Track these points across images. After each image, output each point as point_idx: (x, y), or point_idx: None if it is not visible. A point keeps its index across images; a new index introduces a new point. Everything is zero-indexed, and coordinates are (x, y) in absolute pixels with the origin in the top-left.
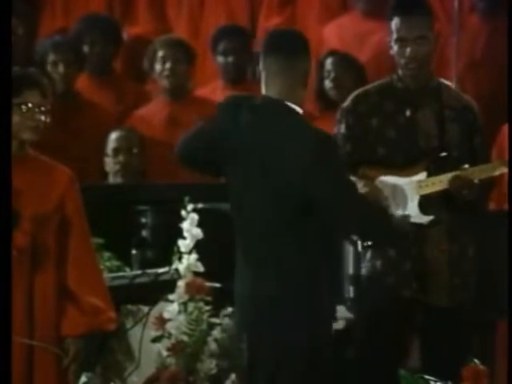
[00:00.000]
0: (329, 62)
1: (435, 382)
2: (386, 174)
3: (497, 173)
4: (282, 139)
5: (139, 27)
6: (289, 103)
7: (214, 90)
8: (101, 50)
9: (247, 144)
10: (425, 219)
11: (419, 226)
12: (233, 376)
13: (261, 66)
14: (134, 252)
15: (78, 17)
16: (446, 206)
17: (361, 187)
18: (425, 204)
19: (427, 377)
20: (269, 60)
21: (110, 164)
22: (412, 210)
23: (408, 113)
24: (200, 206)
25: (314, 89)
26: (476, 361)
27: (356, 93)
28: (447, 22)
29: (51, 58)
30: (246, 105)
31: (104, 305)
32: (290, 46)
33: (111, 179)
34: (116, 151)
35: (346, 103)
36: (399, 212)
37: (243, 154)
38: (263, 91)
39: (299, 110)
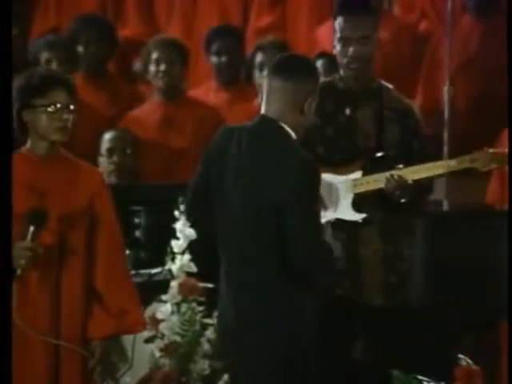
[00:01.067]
0: (319, 65)
1: (428, 382)
2: (324, 171)
3: (432, 173)
4: (269, 164)
5: (128, 29)
6: (284, 125)
7: (208, 91)
8: (96, 50)
9: (235, 166)
10: (357, 217)
11: (352, 224)
12: (226, 377)
13: (264, 87)
14: (127, 252)
15: (70, 17)
16: (379, 206)
17: None
18: (358, 202)
19: (420, 377)
20: (272, 82)
21: (104, 164)
22: (345, 208)
23: (347, 112)
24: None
25: None
26: (468, 361)
27: None
28: (438, 23)
29: (44, 56)
30: (239, 128)
31: (131, 307)
32: (295, 70)
33: (105, 179)
34: (110, 151)
35: None
36: (332, 210)
37: (230, 176)
38: (262, 111)
39: (293, 134)
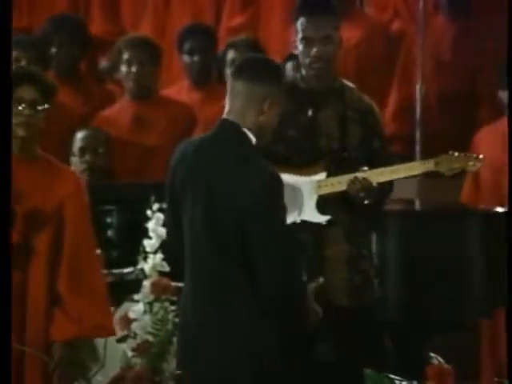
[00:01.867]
0: (289, 67)
1: (400, 381)
2: (286, 171)
3: (396, 176)
4: (231, 172)
5: (94, 27)
6: (245, 129)
7: (180, 90)
8: (68, 51)
9: (196, 176)
10: (321, 219)
11: (316, 225)
12: None
13: (228, 88)
14: (99, 252)
15: (42, 17)
16: (343, 207)
17: None
18: (322, 204)
19: (392, 376)
20: (235, 83)
21: (77, 163)
22: (309, 209)
23: (310, 113)
24: (165, 205)
25: None
26: (440, 359)
27: None
28: (411, 22)
29: (13, 54)
30: (199, 138)
31: (94, 311)
32: (253, 71)
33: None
34: (82, 150)
35: None
36: (296, 212)
37: (191, 186)
38: (225, 112)
39: (253, 137)
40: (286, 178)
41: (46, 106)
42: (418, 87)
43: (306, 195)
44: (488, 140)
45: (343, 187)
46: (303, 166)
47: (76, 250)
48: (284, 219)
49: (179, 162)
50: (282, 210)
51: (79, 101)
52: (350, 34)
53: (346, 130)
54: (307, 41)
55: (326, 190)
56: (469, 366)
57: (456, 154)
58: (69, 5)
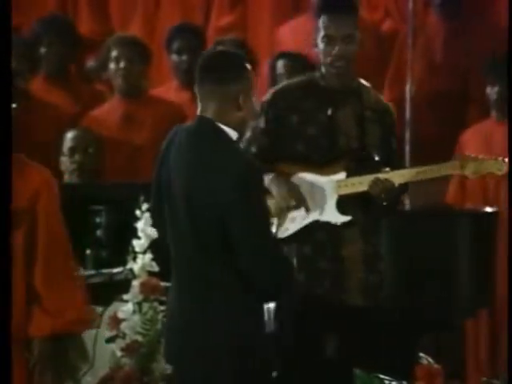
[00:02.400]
0: (280, 65)
1: (390, 381)
2: (304, 171)
3: (419, 178)
4: (209, 167)
5: (82, 28)
6: (221, 125)
7: (169, 90)
8: (57, 51)
9: (176, 170)
10: (341, 219)
11: (333, 225)
12: None
13: (196, 88)
14: (88, 252)
15: (31, 17)
16: (361, 207)
17: (276, 185)
18: (342, 204)
19: (382, 376)
20: (200, 83)
21: (66, 163)
22: (330, 209)
23: (329, 111)
24: (151, 203)
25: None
26: (429, 359)
27: (276, 88)
28: (403, 22)
29: None
30: (181, 129)
31: (70, 306)
32: (219, 71)
33: (67, 178)
34: (72, 150)
35: (267, 97)
36: (316, 211)
37: (172, 181)
38: (198, 112)
39: (232, 133)
40: (307, 176)
41: (14, 105)
42: (407, 87)
43: (327, 195)
44: (474, 140)
45: (364, 187)
46: (323, 165)
47: (49, 246)
48: (265, 215)
49: (161, 162)
50: (263, 206)
51: (69, 101)
52: None
53: (364, 130)
54: (329, 39)
55: (346, 190)
56: (456, 365)
57: (480, 156)
58: (57, 5)
